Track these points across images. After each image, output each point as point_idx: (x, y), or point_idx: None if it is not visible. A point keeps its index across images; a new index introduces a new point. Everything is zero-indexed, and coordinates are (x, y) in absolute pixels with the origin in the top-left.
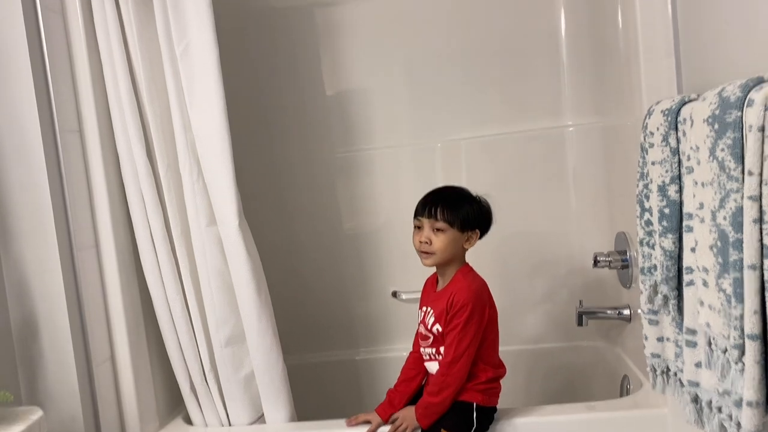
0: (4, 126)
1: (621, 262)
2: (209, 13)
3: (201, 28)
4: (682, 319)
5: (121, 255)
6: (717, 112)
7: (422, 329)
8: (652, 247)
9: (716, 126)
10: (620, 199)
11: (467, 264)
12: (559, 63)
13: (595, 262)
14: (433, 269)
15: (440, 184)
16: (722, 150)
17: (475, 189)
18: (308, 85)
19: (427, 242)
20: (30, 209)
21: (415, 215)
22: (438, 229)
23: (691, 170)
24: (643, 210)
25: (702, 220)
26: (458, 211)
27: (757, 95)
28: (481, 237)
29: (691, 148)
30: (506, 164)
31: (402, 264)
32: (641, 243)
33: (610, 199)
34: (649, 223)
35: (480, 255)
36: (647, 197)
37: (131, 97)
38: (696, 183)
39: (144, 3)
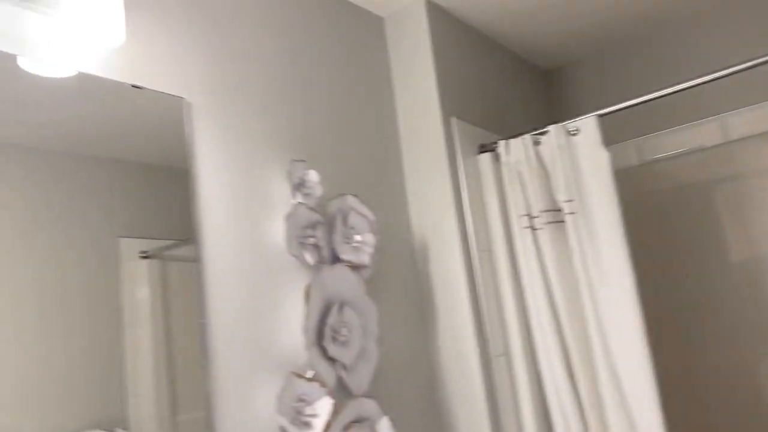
0: (448, 351)
1: None
2: (622, 241)
3: (616, 256)
4: None
5: None
6: None
7: None
8: None
9: None
10: None
11: None
12: None
13: None
14: None
15: None
16: None
17: None
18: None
19: None
20: (467, 419)
21: None
22: None
23: None
24: None
25: None
26: None
27: None
28: None
29: None
30: None
31: None
32: None
33: None
34: None
35: None
36: None
37: (552, 323)
38: None
39: (560, 237)
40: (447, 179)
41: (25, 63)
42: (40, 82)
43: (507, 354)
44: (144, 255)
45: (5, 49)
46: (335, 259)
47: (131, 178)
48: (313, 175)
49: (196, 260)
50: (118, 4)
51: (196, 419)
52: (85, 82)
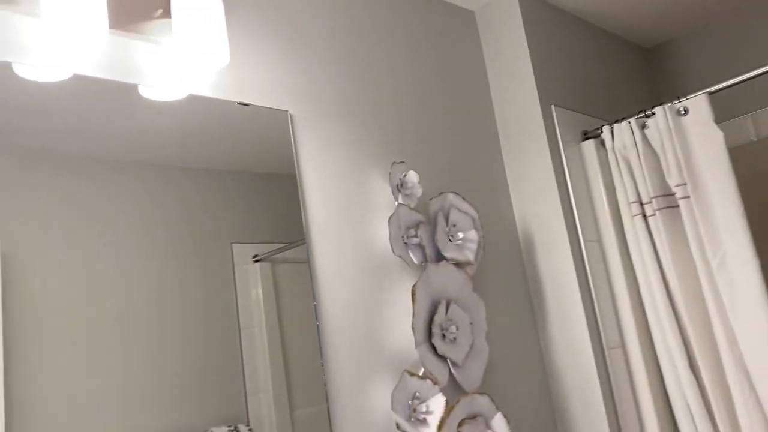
0: (560, 344)
1: None
2: (742, 223)
3: (737, 241)
4: None
5: None
6: None
7: None
8: None
9: None
10: None
11: None
12: None
13: None
14: None
15: None
16: None
17: None
18: None
19: None
20: (584, 414)
21: None
22: None
23: None
24: None
25: None
26: None
27: None
28: None
29: None
30: None
31: None
32: None
33: None
34: None
35: None
36: None
37: (669, 312)
38: None
39: (674, 223)
40: (550, 169)
41: (144, 90)
42: (158, 106)
43: (623, 346)
44: (256, 259)
45: (129, 81)
46: (439, 258)
47: (241, 187)
48: (412, 176)
49: (308, 263)
50: (222, 28)
51: (311, 414)
52: (196, 103)
